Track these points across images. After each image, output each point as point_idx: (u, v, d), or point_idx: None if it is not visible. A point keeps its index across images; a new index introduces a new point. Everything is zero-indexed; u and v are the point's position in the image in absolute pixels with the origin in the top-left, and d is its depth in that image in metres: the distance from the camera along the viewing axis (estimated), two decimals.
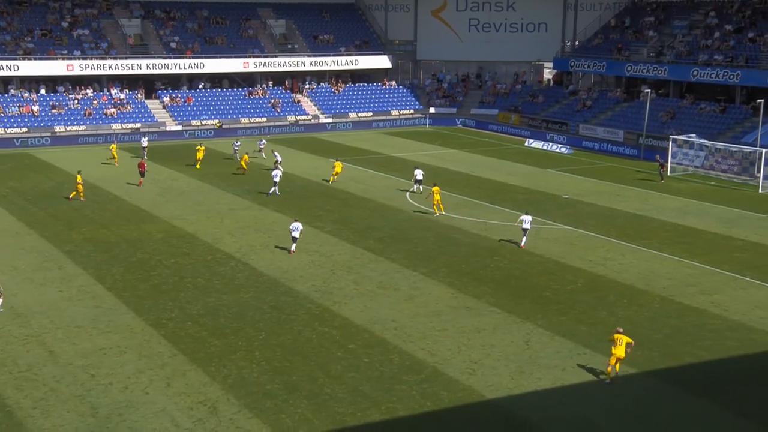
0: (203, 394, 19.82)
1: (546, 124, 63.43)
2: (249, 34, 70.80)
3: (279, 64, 68.86)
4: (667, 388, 20.16)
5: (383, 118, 68.69)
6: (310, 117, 67.21)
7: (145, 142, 52.09)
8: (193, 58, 66.01)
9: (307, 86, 70.57)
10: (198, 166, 47.25)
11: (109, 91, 64.24)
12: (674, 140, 48.89)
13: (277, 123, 65.41)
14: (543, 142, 58.54)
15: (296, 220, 32.01)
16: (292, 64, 69.41)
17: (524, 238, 31.92)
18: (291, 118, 66.29)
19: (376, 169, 48.58)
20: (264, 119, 65.37)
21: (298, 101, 68.29)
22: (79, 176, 39.82)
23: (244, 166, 46.33)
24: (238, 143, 51.87)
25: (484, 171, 48.19)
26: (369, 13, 77.43)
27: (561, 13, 71.04)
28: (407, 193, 41.38)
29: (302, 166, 48.87)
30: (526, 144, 58.99)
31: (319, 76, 72.06)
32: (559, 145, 57.44)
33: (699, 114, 55.86)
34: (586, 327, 23.87)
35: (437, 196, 36.88)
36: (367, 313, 24.93)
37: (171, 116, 63.64)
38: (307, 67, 70.31)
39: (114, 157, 49.62)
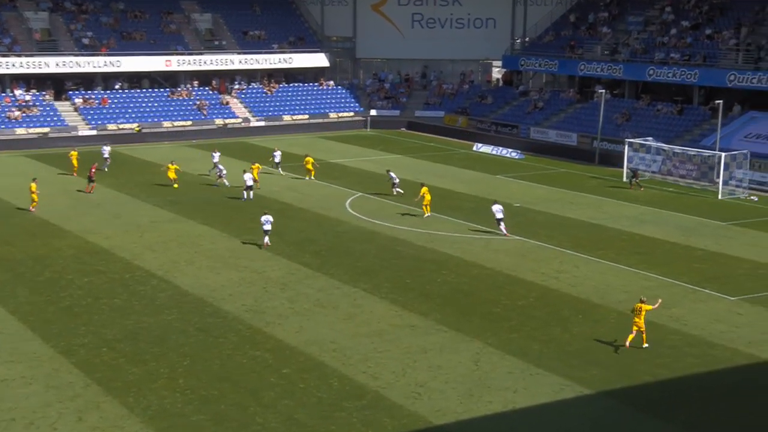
0: (120, 428, 19.42)
1: (495, 127, 64.26)
2: (171, 30, 70.04)
3: (205, 63, 68.29)
4: (625, 409, 20.56)
5: (320, 121, 68.59)
6: (240, 120, 66.78)
7: (107, 151, 49.96)
8: (109, 55, 64.96)
9: (237, 87, 70.13)
10: (176, 186, 43.97)
11: (12, 92, 62.70)
12: (630, 144, 50.04)
13: (204, 126, 64.81)
14: (492, 146, 59.27)
15: (266, 213, 33.39)
16: (220, 63, 68.90)
17: (502, 226, 35.03)
18: (219, 122, 65.77)
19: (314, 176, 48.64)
20: (189, 123, 64.70)
21: (227, 103, 67.80)
22: (33, 184, 39.05)
23: (255, 176, 43.68)
24: (217, 154, 48.53)
25: (430, 178, 48.50)
26: (303, 6, 77.43)
27: (510, 8, 72.25)
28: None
29: (232, 173, 48.44)
30: (474, 148, 59.65)
31: (250, 75, 71.68)
32: (510, 150, 58.25)
33: (655, 116, 57.36)
34: (539, 345, 24.19)
35: (428, 197, 38.36)
36: (303, 334, 24.83)
37: (84, 120, 62.45)
38: (236, 66, 69.87)
39: (74, 167, 47.86)
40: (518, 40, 71.75)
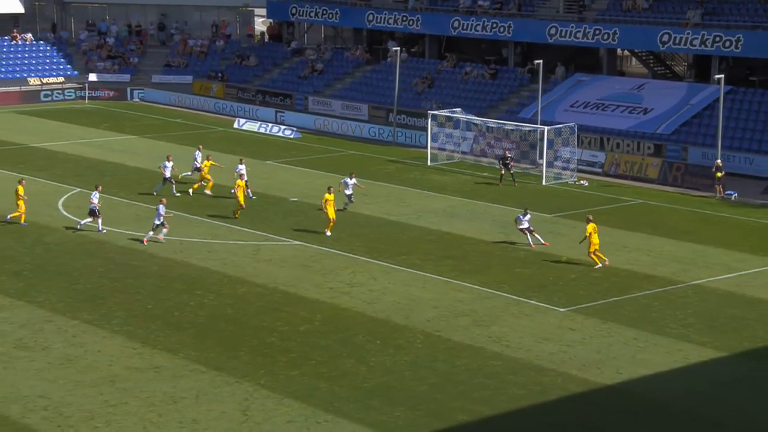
0: None
1: (262, 96, 64.61)
2: None
3: None
4: None
5: (15, 88, 66.71)
6: None
7: (168, 169, 42.54)
8: None
9: None
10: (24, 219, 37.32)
11: None
12: (434, 117, 51.89)
13: None
14: (259, 123, 59.53)
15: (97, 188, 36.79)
16: None
17: (529, 237, 36.45)
18: None
19: (3, 167, 47.04)
20: None
21: None
22: None
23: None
24: (242, 166, 42.16)
25: (175, 165, 47.94)
26: None
27: None
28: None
29: None
30: (235, 125, 59.68)
31: None
32: (282, 127, 58.73)
33: (464, 80, 59.96)
34: (328, 383, 24.57)
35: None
36: None
37: None
38: None
39: None
40: None
